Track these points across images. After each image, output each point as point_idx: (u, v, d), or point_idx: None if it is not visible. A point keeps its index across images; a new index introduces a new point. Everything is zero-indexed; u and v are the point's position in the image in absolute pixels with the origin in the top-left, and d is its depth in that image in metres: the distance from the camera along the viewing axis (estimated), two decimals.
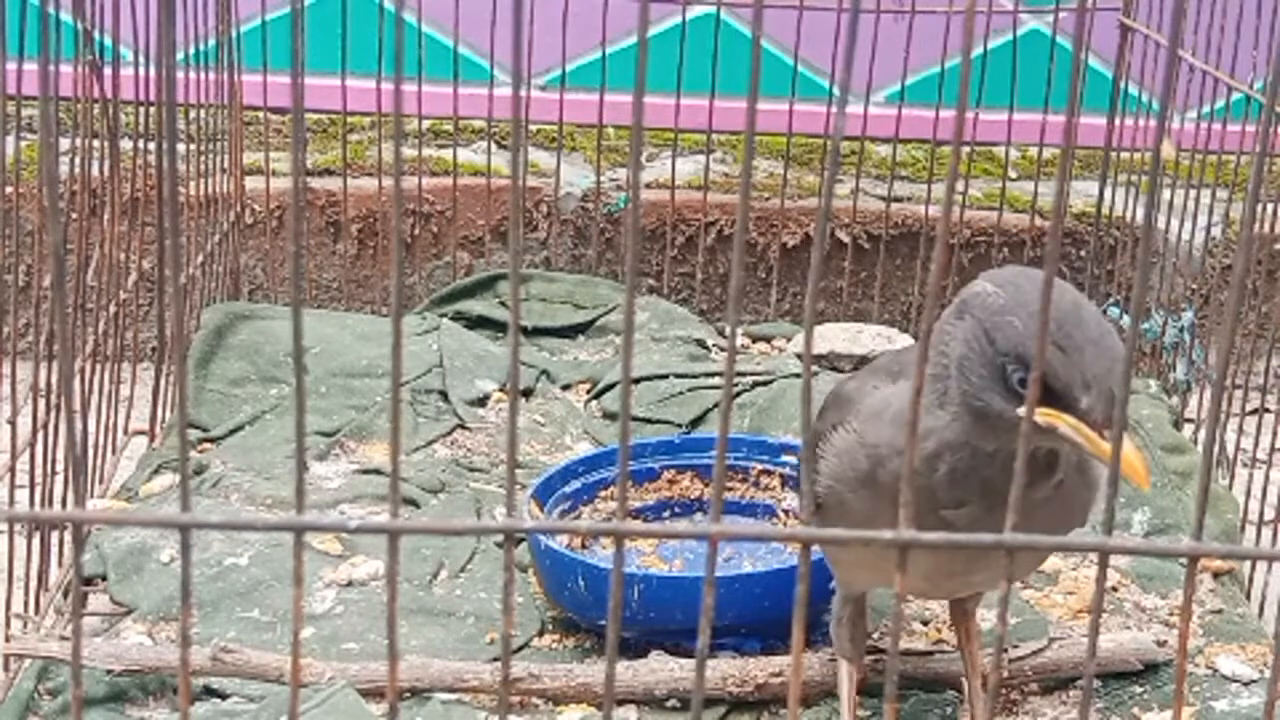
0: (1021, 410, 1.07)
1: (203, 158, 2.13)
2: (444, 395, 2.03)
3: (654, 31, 2.47)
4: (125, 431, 1.91)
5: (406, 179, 2.37)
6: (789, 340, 2.30)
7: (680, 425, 1.98)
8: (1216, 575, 1.66)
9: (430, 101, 2.33)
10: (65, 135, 1.81)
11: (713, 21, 2.34)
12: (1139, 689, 1.47)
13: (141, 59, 1.81)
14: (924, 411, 1.15)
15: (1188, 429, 1.99)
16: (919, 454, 1.14)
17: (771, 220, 2.44)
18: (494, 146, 2.47)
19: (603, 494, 1.71)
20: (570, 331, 2.29)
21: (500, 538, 1.61)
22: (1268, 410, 1.98)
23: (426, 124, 2.48)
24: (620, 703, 1.42)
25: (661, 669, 1.44)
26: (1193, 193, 2.05)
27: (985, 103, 2.36)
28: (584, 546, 1.63)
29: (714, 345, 2.23)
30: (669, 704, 1.44)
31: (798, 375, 2.04)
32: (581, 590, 1.50)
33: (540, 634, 1.55)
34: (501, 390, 2.07)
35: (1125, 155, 2.32)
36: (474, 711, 1.42)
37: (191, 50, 2.09)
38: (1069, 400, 1.06)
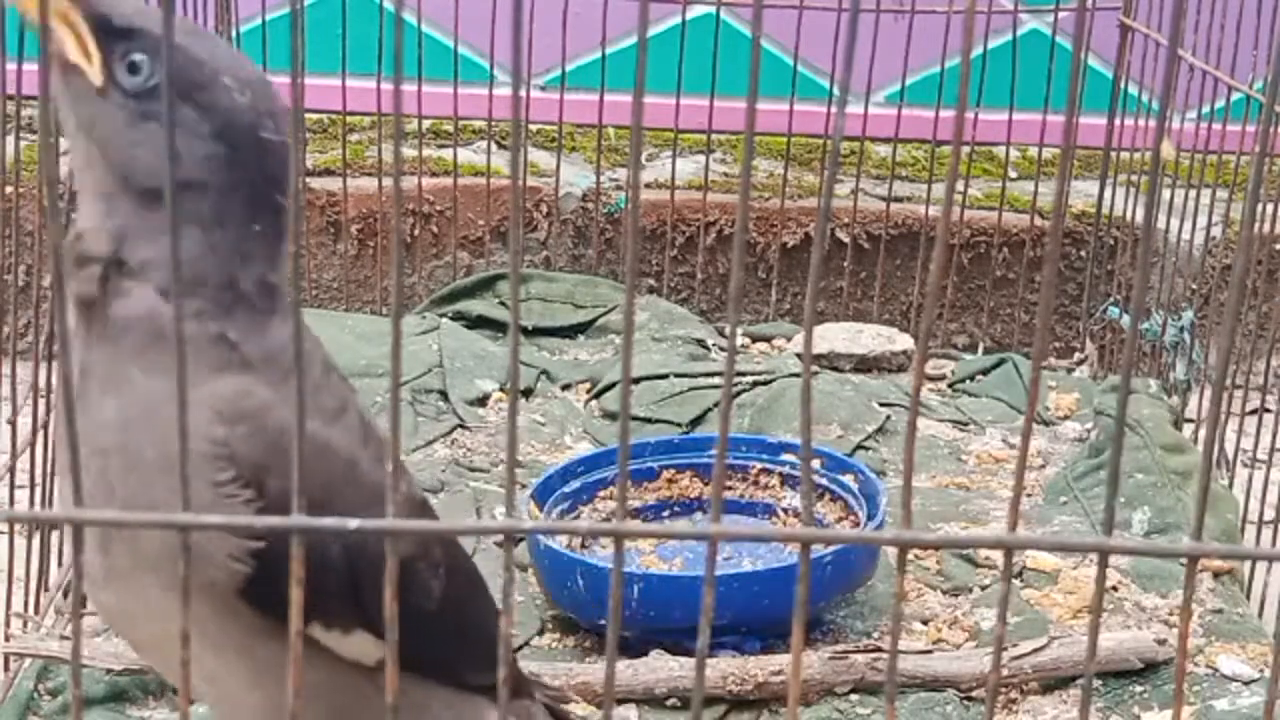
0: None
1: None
2: (444, 395, 2.03)
3: (654, 31, 2.47)
4: None
5: (406, 179, 2.37)
6: (789, 340, 2.30)
7: (680, 425, 1.98)
8: (1216, 575, 1.66)
9: (430, 101, 2.33)
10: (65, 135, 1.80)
11: (713, 21, 2.33)
12: (1139, 688, 1.47)
13: None
14: None
15: (1188, 429, 1.99)
16: None
17: (771, 220, 2.44)
18: (494, 146, 2.47)
19: (602, 494, 1.71)
20: (570, 331, 2.29)
21: (500, 537, 1.61)
22: (1268, 410, 1.98)
23: (426, 124, 2.48)
24: (620, 702, 1.42)
25: (661, 668, 1.44)
26: (1193, 193, 2.05)
27: (985, 103, 2.36)
28: (584, 546, 1.63)
29: (714, 345, 2.23)
30: (669, 703, 1.44)
31: (798, 375, 2.04)
32: (581, 590, 1.50)
33: (540, 633, 1.55)
34: (501, 390, 2.07)
35: (1125, 155, 2.32)
36: None
37: None
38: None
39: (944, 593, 1.63)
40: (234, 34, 2.24)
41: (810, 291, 0.62)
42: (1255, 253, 2.03)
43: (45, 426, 1.54)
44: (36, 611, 1.54)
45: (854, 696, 1.45)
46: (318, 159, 2.49)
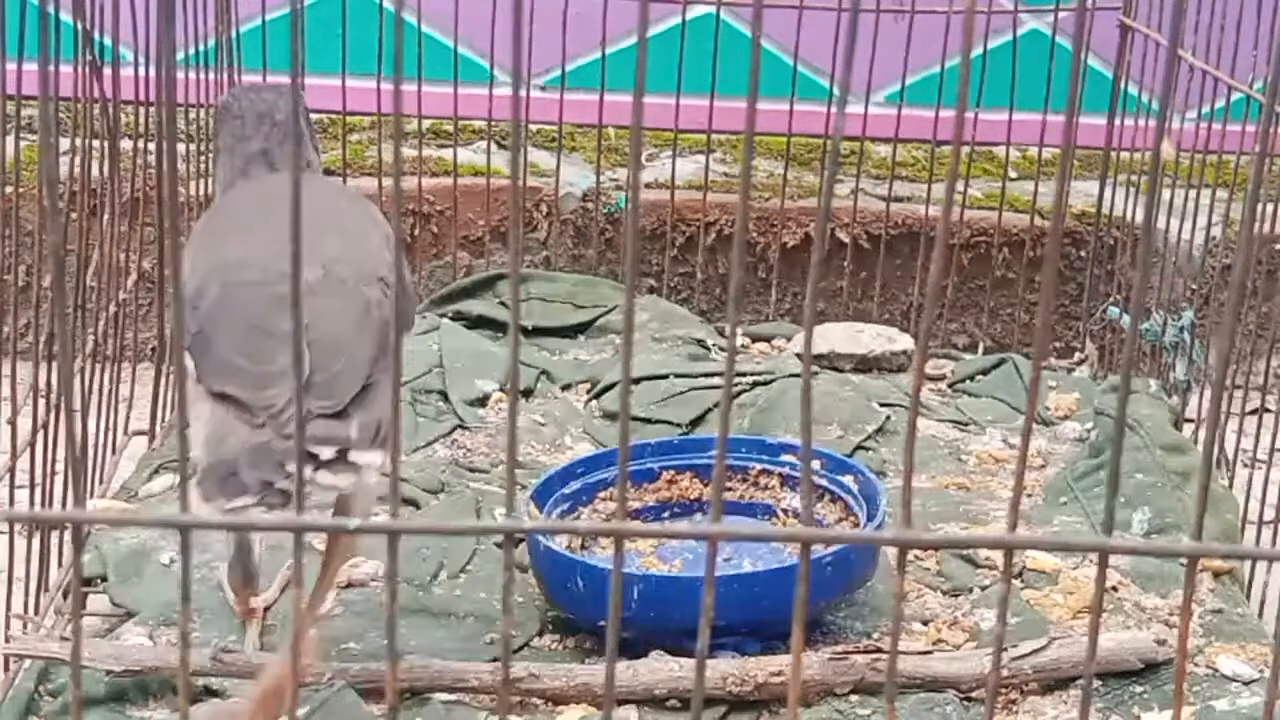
0: None
1: (203, 158, 2.13)
2: (444, 395, 2.03)
3: (654, 31, 2.47)
4: (125, 431, 1.91)
5: (406, 179, 2.37)
6: (789, 340, 2.30)
7: (680, 425, 1.98)
8: (1216, 575, 1.66)
9: (430, 101, 2.33)
10: (65, 135, 1.81)
11: (712, 21, 2.33)
12: (1139, 688, 1.47)
13: (141, 59, 1.81)
14: None
15: (1188, 429, 1.99)
16: None
17: (771, 220, 2.44)
18: (494, 146, 2.47)
19: (602, 495, 1.70)
20: (570, 331, 2.29)
21: (500, 538, 1.61)
22: (1268, 410, 1.98)
23: (426, 124, 2.48)
24: (620, 703, 1.42)
25: (661, 669, 1.44)
26: (1193, 193, 2.05)
27: (985, 103, 2.36)
28: (583, 547, 1.63)
29: (714, 345, 2.23)
30: (669, 704, 1.44)
31: (798, 375, 2.04)
32: (581, 591, 1.49)
33: (540, 634, 1.55)
34: (501, 390, 2.07)
35: (1125, 155, 2.32)
36: (474, 711, 1.42)
37: (191, 50, 2.09)
38: None
39: (944, 593, 1.63)
40: (234, 34, 2.24)
41: (810, 291, 0.62)
42: (1255, 253, 2.03)
43: (45, 426, 1.54)
44: (36, 612, 1.54)
45: (854, 697, 1.45)
46: None
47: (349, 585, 1.60)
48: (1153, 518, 1.74)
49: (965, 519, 1.78)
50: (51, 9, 1.50)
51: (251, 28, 2.35)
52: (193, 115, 2.11)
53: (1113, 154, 2.33)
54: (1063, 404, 2.13)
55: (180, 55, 2.06)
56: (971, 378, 2.22)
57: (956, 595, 1.63)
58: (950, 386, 2.21)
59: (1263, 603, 1.70)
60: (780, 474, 1.72)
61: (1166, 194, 2.15)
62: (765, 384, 2.05)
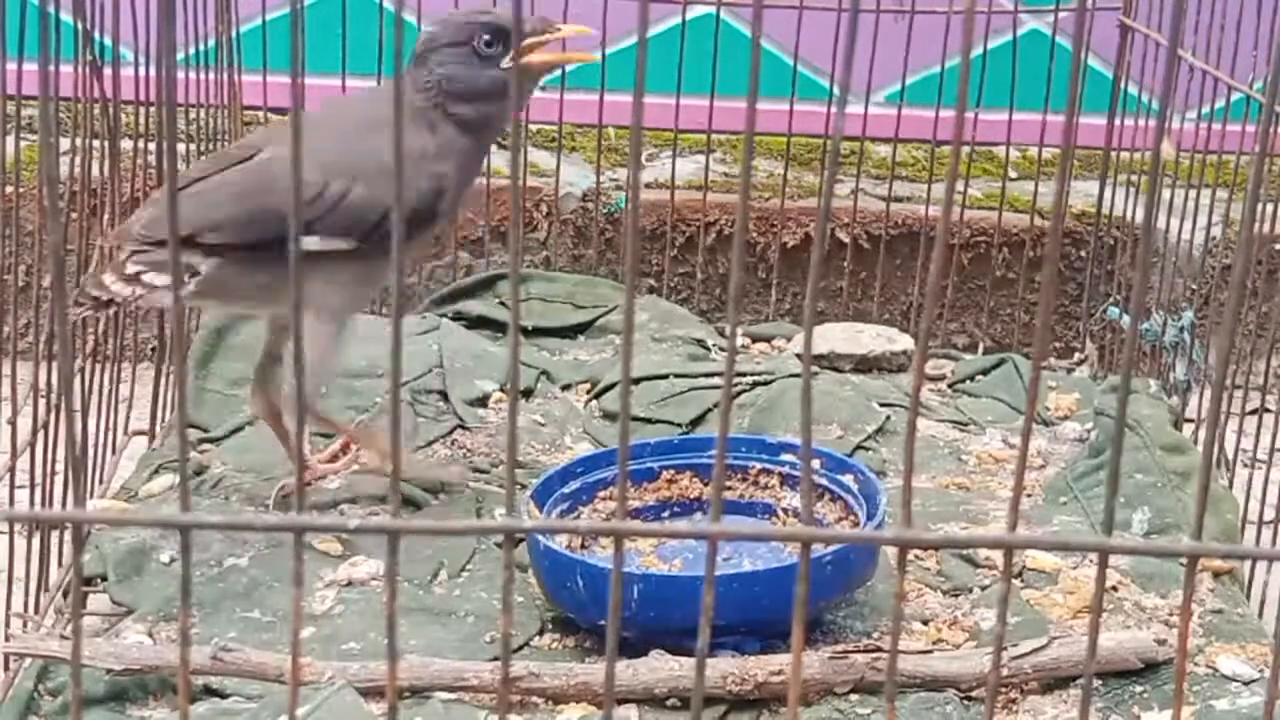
0: (505, 62, 1.66)
1: (202, 158, 2.13)
2: (444, 395, 2.03)
3: (654, 31, 2.47)
4: (125, 431, 1.91)
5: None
6: (789, 340, 2.30)
7: (680, 425, 1.98)
8: (1216, 575, 1.66)
9: None
10: (65, 135, 1.81)
11: (712, 21, 2.34)
12: (1139, 688, 1.47)
13: (141, 59, 1.81)
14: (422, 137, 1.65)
15: (1188, 429, 2.00)
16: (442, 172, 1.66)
17: (771, 220, 2.44)
18: (494, 146, 2.47)
19: (602, 494, 1.70)
20: (570, 331, 2.29)
21: (500, 537, 1.61)
22: (1268, 410, 1.98)
23: None
24: (620, 702, 1.42)
25: (661, 668, 1.44)
26: (1193, 193, 2.05)
27: (985, 103, 2.36)
28: (583, 547, 1.63)
29: (714, 345, 2.23)
30: (669, 703, 1.44)
31: (798, 375, 2.04)
32: (580, 590, 1.50)
33: (540, 634, 1.55)
34: (501, 390, 2.07)
35: (1125, 155, 2.32)
36: (474, 711, 1.42)
37: (191, 50, 2.09)
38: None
39: (944, 593, 1.63)
40: (234, 34, 2.24)
41: (810, 291, 0.62)
42: (1255, 253, 2.03)
43: (45, 426, 1.54)
44: (36, 611, 1.55)
45: (854, 696, 1.45)
46: None
47: (349, 584, 1.61)
48: (1153, 518, 1.74)
49: (965, 519, 1.78)
50: (51, 9, 1.50)
51: (251, 28, 2.35)
52: (193, 115, 2.11)
53: (1113, 154, 2.33)
54: (1063, 404, 2.13)
55: (180, 55, 2.06)
56: (971, 378, 2.22)
57: (956, 595, 1.63)
58: (950, 386, 2.21)
59: (1263, 603, 1.70)
60: (780, 473, 1.73)
61: (1166, 194, 2.15)
62: (765, 384, 2.05)
